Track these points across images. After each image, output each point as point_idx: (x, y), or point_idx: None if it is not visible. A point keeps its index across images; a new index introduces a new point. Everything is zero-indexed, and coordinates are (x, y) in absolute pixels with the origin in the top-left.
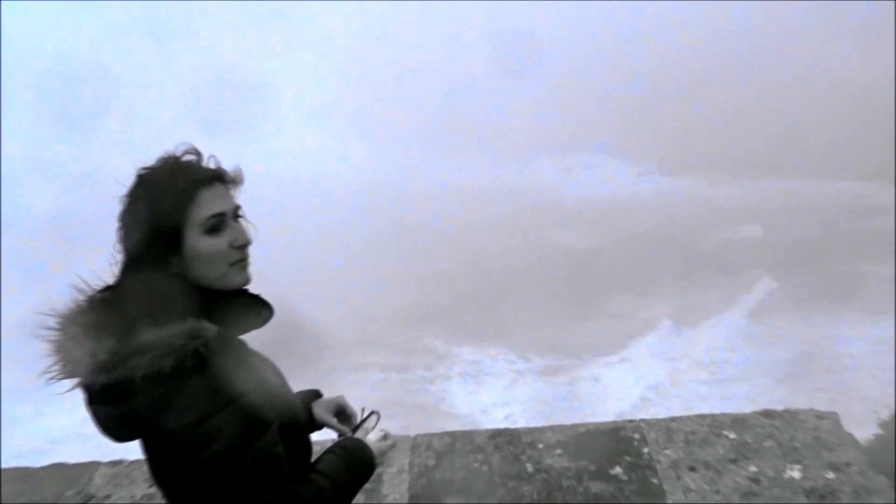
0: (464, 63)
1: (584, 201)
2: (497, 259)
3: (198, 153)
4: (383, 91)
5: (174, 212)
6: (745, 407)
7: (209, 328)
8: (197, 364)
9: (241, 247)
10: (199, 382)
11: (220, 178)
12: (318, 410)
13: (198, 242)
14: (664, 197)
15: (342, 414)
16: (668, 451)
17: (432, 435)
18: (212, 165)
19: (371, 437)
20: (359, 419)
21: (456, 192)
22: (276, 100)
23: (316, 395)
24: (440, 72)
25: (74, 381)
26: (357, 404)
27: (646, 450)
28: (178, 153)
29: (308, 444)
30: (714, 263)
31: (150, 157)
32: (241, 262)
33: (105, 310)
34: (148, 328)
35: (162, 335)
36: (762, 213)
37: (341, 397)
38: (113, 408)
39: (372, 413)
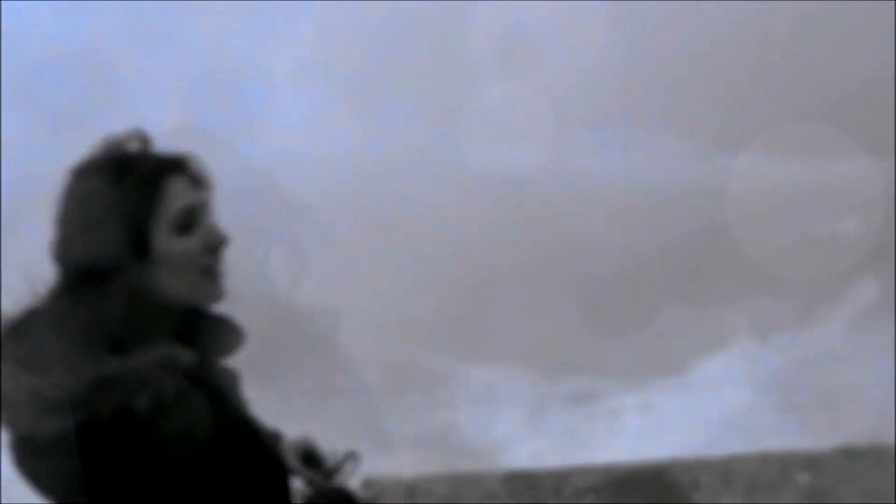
0: (470, 27)
1: (623, 187)
2: (514, 257)
3: (145, 139)
4: (376, 59)
5: (139, 206)
6: (826, 440)
7: (187, 355)
8: (178, 401)
9: (217, 249)
10: (181, 425)
11: (184, 167)
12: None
13: (167, 244)
14: (728, 180)
15: (311, 458)
16: (724, 498)
17: (433, 478)
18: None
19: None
20: (331, 463)
21: (462, 177)
22: (269, 90)
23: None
24: (441, 33)
25: (13, 432)
26: (328, 445)
27: (697, 496)
28: (123, 139)
29: (289, 500)
30: (797, 265)
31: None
32: (215, 271)
33: (41, 337)
34: (109, 357)
35: (131, 365)
36: (859, 200)
37: (308, 438)
38: (63, 461)
39: (349, 455)
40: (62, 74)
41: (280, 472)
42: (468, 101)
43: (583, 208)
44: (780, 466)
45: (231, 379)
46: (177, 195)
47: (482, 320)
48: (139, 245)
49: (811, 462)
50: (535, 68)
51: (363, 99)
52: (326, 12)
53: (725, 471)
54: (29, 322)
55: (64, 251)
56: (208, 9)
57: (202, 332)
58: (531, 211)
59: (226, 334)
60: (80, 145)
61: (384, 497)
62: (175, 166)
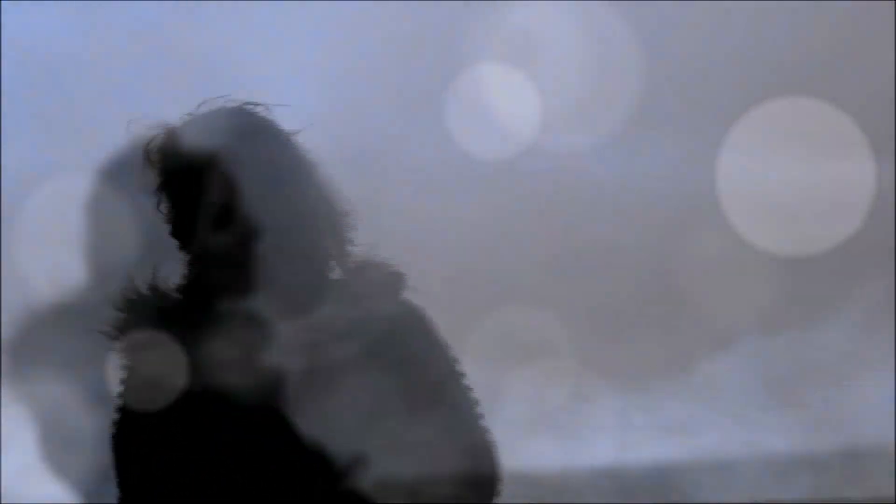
0: (470, 25)
1: (623, 186)
2: (514, 256)
3: (173, 136)
4: (377, 59)
5: (176, 204)
6: (828, 440)
7: (227, 351)
8: (215, 396)
9: (250, 242)
10: (217, 419)
11: (218, 162)
12: None
13: (207, 239)
14: (728, 180)
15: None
16: (725, 498)
17: (435, 479)
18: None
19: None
20: (339, 467)
21: (459, 169)
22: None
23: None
24: (440, 32)
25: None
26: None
27: (698, 496)
28: (150, 137)
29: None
30: (798, 264)
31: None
32: (246, 265)
33: (85, 335)
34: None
35: (171, 361)
36: (859, 200)
37: (315, 441)
38: (101, 456)
39: (356, 459)
40: (62, 75)
41: (314, 479)
42: (469, 102)
43: (583, 208)
44: (782, 467)
45: (274, 378)
46: (219, 189)
47: (482, 319)
48: (186, 239)
49: (813, 463)
50: (536, 67)
51: (365, 99)
52: (326, 12)
53: (727, 471)
54: (59, 320)
55: (99, 254)
56: (209, 9)
57: (236, 327)
58: (532, 210)
59: (258, 330)
60: (81, 145)
61: (385, 498)
62: (209, 162)
